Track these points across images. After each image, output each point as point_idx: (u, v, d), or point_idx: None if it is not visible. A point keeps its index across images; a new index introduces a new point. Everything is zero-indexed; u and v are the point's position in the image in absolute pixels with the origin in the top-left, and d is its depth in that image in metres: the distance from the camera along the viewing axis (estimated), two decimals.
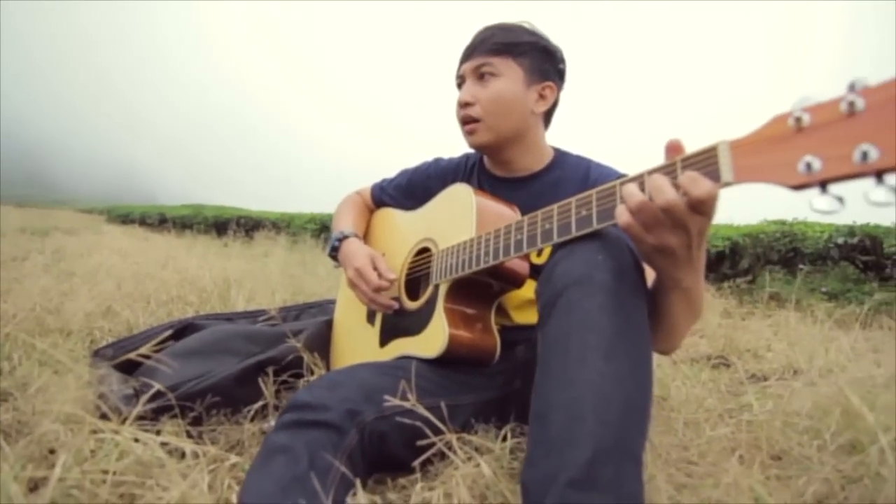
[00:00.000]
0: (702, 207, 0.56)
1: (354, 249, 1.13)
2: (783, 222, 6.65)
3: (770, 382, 1.51)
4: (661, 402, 1.40)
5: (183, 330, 1.35)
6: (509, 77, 1.04)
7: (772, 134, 0.54)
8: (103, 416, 0.92)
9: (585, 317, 0.64)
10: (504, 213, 1.03)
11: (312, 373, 1.16)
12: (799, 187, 0.51)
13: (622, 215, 0.62)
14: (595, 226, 0.69)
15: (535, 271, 1.01)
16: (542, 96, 1.08)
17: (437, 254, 1.03)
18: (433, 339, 0.96)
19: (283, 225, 8.09)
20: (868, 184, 0.49)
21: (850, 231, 4.71)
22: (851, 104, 0.49)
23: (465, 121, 1.07)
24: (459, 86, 1.10)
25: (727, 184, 0.56)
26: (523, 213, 1.05)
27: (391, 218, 1.31)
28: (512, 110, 1.05)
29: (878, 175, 0.48)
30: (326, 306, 1.75)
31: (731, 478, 0.80)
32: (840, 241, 4.65)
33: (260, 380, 1.09)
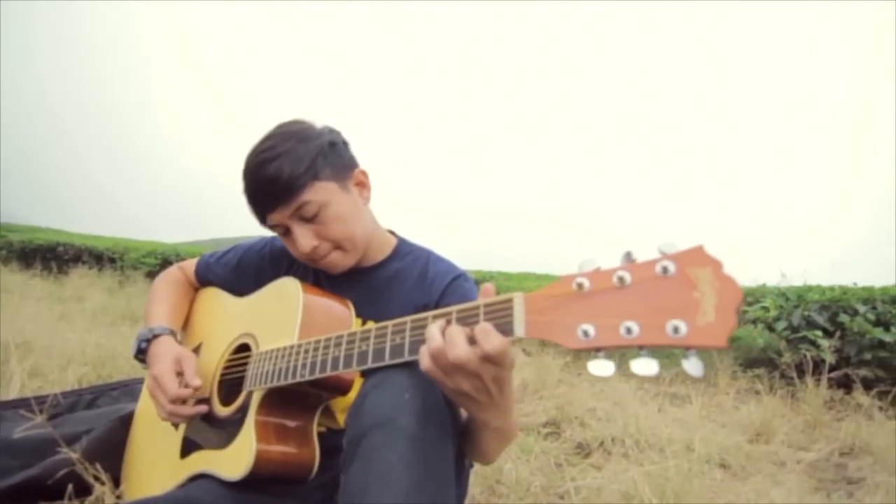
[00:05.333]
0: (494, 360, 0.57)
1: (161, 353, 0.98)
2: None
3: (591, 460, 1.63)
4: (494, 486, 1.42)
5: None
6: (331, 198, 0.96)
7: (559, 294, 0.57)
8: None
9: (384, 469, 0.60)
10: (334, 313, 0.97)
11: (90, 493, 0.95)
12: (578, 350, 0.54)
13: (423, 358, 0.61)
14: (406, 356, 0.67)
15: None
16: (360, 185, 1.04)
17: (255, 356, 0.92)
18: (238, 457, 0.85)
19: (114, 256, 7.04)
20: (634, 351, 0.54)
21: None
22: (621, 278, 0.54)
23: (319, 258, 0.99)
24: (283, 234, 0.99)
25: (519, 338, 0.57)
26: (360, 306, 1.01)
27: (217, 301, 1.17)
28: (355, 222, 0.99)
29: (641, 348, 0.53)
30: (135, 387, 1.49)
31: None
32: None
33: None
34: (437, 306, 1.00)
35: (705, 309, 0.49)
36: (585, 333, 0.53)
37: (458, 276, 1.05)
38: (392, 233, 1.16)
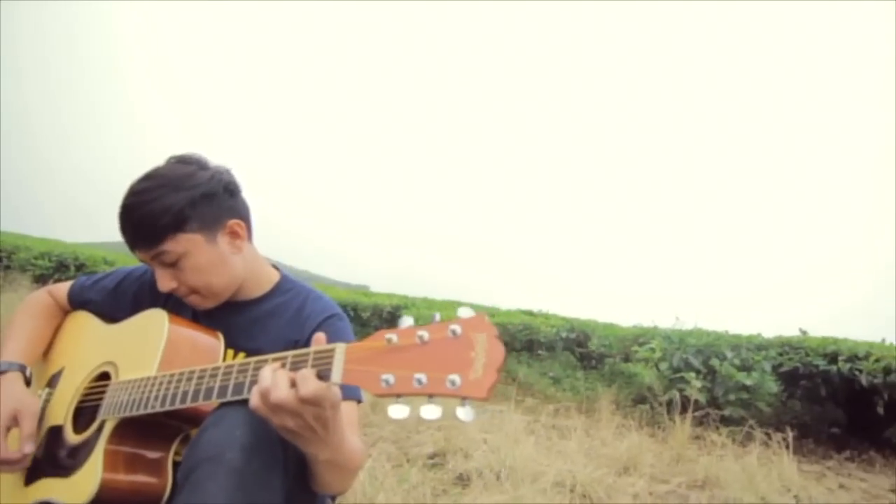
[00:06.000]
0: (311, 402, 0.66)
1: (3, 396, 0.97)
2: (530, 313, 7.97)
3: (467, 491, 1.73)
4: None
5: None
6: (192, 250, 0.97)
7: (375, 346, 0.67)
8: None
9: (205, 501, 0.66)
10: (201, 346, 1.01)
11: None
12: (381, 395, 0.64)
13: (253, 397, 0.68)
14: (245, 394, 0.74)
15: None
16: (233, 235, 1.04)
17: (113, 385, 0.95)
18: (82, 485, 0.86)
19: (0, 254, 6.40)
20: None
21: (571, 327, 5.88)
22: (421, 336, 0.65)
23: (180, 296, 1.02)
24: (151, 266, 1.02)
25: (335, 384, 0.67)
26: (235, 339, 1.05)
27: (85, 326, 1.16)
28: (216, 273, 1.01)
29: (431, 396, 0.63)
30: None
31: None
32: (564, 334, 5.77)
33: None
34: (308, 343, 1.07)
35: (476, 367, 0.61)
36: (387, 382, 0.63)
37: (332, 316, 1.12)
38: (277, 268, 1.22)
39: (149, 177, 0.99)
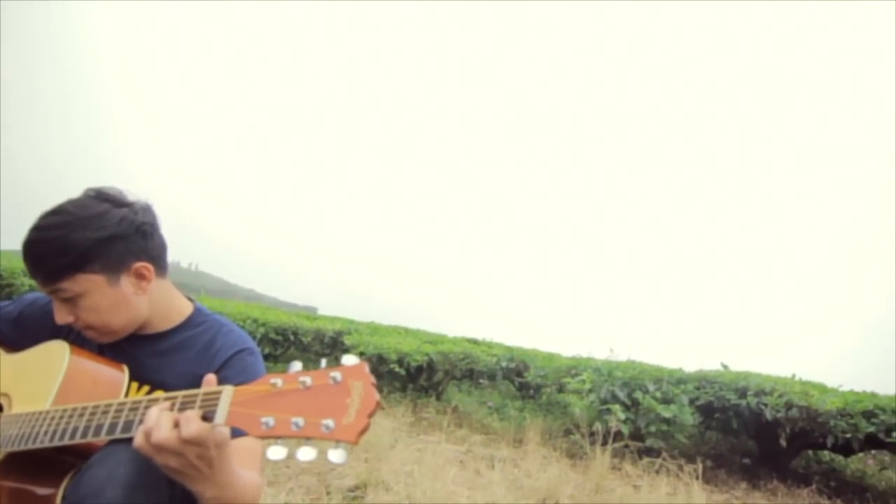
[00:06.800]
0: (193, 443, 0.70)
1: None
2: (474, 341, 8.07)
3: None
4: None
5: None
6: (91, 290, 0.97)
7: (261, 390, 0.72)
8: None
9: None
10: (102, 380, 1.01)
11: None
12: (261, 437, 0.69)
13: (137, 436, 0.71)
14: (132, 433, 0.76)
15: None
16: (139, 277, 1.03)
17: (3, 418, 0.94)
18: None
19: None
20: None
21: (511, 356, 6.01)
22: (304, 382, 0.70)
23: (78, 329, 1.03)
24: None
25: (219, 425, 0.71)
26: (141, 373, 1.06)
27: None
28: (115, 313, 1.01)
29: (308, 439, 0.69)
30: None
31: None
32: (504, 364, 5.89)
33: None
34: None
35: (350, 412, 0.67)
36: (266, 424, 0.69)
37: (242, 350, 1.14)
38: (192, 300, 1.23)
39: (57, 211, 0.98)
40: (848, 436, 3.61)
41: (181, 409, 0.74)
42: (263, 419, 0.69)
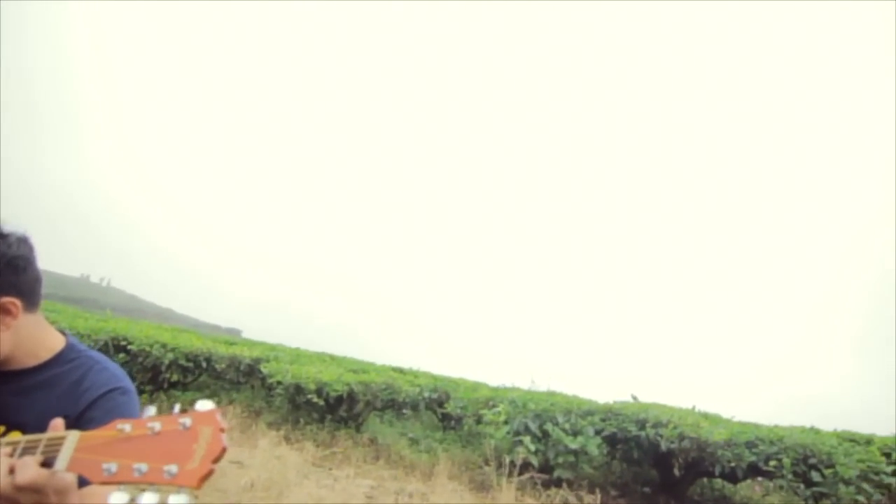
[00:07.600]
0: (29, 489, 0.69)
1: None
2: (400, 370, 8.03)
3: None
4: None
5: None
6: None
7: (108, 435, 0.73)
8: None
9: None
10: None
11: None
12: (103, 483, 0.70)
13: None
14: None
15: None
16: (4, 312, 1.00)
17: None
18: None
19: None
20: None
21: (434, 386, 6.04)
22: (152, 427, 0.72)
23: None
24: None
25: (59, 472, 0.71)
26: (1, 411, 1.01)
27: None
28: None
29: (151, 484, 0.71)
30: None
31: None
32: (427, 394, 5.90)
33: None
34: (80, 418, 1.06)
35: (195, 458, 0.70)
36: (108, 471, 0.70)
37: (114, 389, 1.11)
38: (65, 334, 1.19)
39: None
40: (733, 465, 3.95)
41: (22, 455, 0.73)
42: (105, 465, 0.70)
